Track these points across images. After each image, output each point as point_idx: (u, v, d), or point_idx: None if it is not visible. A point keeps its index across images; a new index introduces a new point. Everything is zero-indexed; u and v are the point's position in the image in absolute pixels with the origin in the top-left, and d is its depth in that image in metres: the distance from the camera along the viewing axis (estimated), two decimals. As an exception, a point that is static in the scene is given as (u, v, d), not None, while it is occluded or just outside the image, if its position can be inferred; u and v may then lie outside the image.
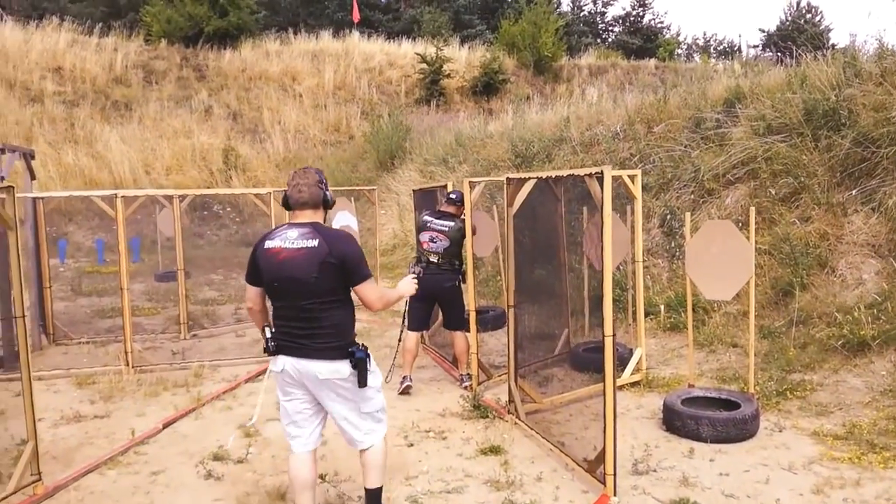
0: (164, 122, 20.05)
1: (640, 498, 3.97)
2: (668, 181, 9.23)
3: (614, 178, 5.99)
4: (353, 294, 3.40)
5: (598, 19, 40.88)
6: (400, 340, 6.06)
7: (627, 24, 38.95)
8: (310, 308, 3.28)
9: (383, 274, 11.26)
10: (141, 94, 21.10)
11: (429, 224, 6.15)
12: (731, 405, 4.96)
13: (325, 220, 3.55)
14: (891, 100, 7.25)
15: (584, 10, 40.26)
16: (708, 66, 22.08)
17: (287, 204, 3.45)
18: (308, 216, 3.40)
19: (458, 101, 23.37)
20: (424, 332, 6.76)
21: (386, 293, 3.55)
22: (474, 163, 13.70)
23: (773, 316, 6.78)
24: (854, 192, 7.10)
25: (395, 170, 16.87)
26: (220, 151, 19.20)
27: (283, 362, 3.37)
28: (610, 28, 41.08)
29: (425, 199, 8.04)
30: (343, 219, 10.19)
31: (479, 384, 5.95)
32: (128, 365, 6.80)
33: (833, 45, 11.87)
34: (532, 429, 4.97)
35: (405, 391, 5.95)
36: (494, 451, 4.66)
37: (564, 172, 4.61)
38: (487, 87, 23.41)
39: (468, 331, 6.06)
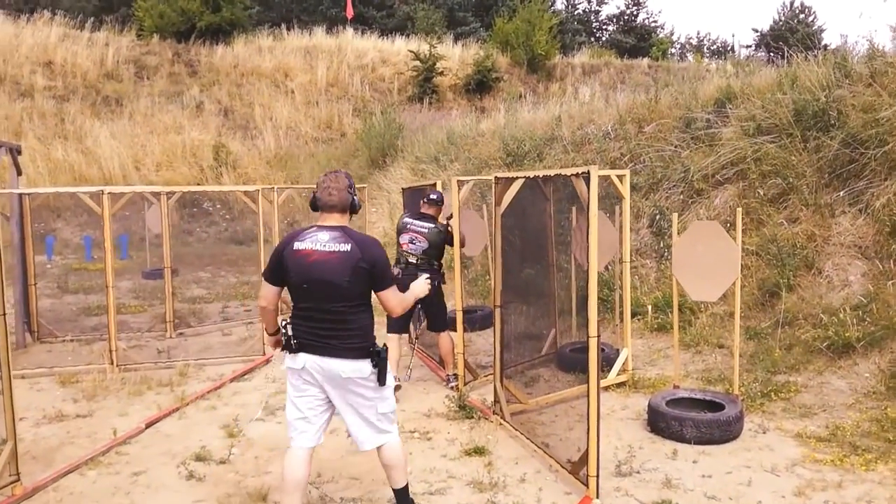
0: (154, 117, 19.93)
1: (622, 500, 3.96)
2: (658, 181, 9.23)
3: (603, 178, 5.98)
4: None
5: (592, 18, 40.89)
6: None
7: (621, 22, 38.98)
8: (339, 310, 3.36)
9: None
10: (132, 89, 20.97)
11: (408, 226, 6.13)
12: (715, 406, 4.96)
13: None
14: (880, 101, 7.26)
15: (578, 9, 40.27)
16: (700, 66, 22.12)
17: (315, 205, 3.50)
18: (336, 219, 3.45)
19: (451, 99, 23.32)
20: (409, 333, 6.72)
21: (405, 298, 3.63)
22: (466, 161, 13.67)
23: (760, 317, 6.79)
24: (842, 193, 7.11)
25: (387, 168, 16.83)
26: (210, 148, 19.08)
27: (304, 360, 3.42)
28: (604, 27, 41.11)
29: (415, 198, 7.99)
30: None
31: (465, 384, 5.94)
32: (112, 363, 6.75)
33: (825, 46, 11.90)
34: (517, 429, 4.96)
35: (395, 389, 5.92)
36: (479, 452, 4.64)
37: (552, 172, 4.59)
38: (480, 84, 23.37)
39: (454, 330, 6.04)
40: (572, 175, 4.17)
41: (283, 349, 3.48)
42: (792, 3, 36.21)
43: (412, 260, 6.01)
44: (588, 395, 3.92)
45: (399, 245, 6.17)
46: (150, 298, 10.37)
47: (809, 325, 6.27)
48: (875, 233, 6.62)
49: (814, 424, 4.99)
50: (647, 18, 39.18)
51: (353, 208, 3.51)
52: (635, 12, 38.53)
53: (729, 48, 38.94)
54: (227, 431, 5.15)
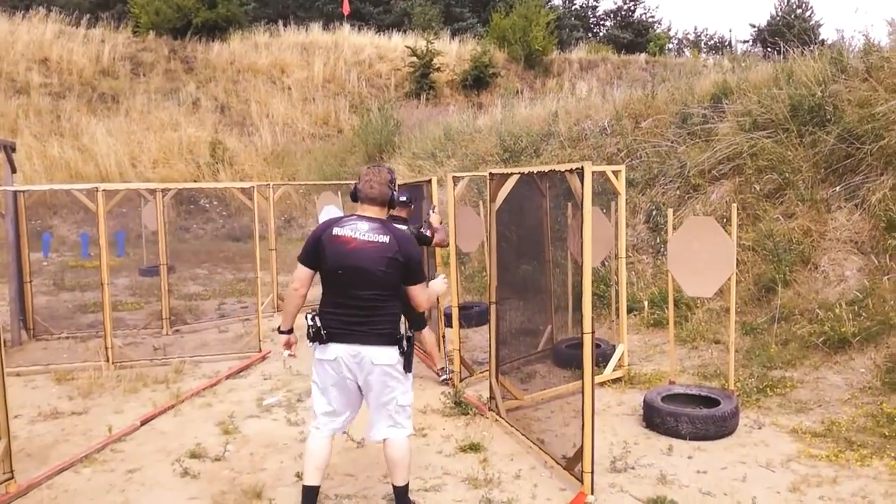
0: (151, 114, 19.88)
1: (617, 496, 3.96)
2: (655, 177, 9.22)
3: (599, 174, 5.99)
4: None
5: (589, 13, 40.85)
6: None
7: (619, 18, 38.93)
8: (372, 298, 3.46)
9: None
10: (128, 86, 20.93)
11: None
12: (711, 402, 4.96)
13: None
14: (876, 96, 7.25)
15: (575, 4, 40.23)
16: (698, 62, 22.07)
17: (355, 196, 3.64)
18: (375, 212, 3.58)
19: (448, 95, 23.29)
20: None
21: (431, 295, 3.78)
22: (463, 157, 13.65)
23: (756, 312, 6.79)
24: (838, 188, 7.10)
25: (384, 164, 16.79)
26: (207, 144, 19.05)
27: (336, 350, 3.49)
28: (601, 22, 41.05)
29: (412, 194, 7.99)
30: (329, 213, 10.14)
31: (461, 381, 5.93)
32: (108, 361, 6.74)
33: (822, 41, 11.87)
34: (512, 426, 4.95)
35: None
36: (474, 448, 4.64)
37: (546, 168, 4.58)
38: (478, 80, 23.34)
39: (449, 326, 6.04)
40: (567, 171, 4.15)
41: (311, 341, 3.53)
42: (789, -1, 36.19)
43: None
44: (583, 391, 3.91)
45: None
46: (146, 295, 10.35)
47: (805, 320, 6.27)
48: (871, 228, 6.62)
49: (809, 420, 4.99)
50: (645, 14, 39.20)
51: (391, 203, 3.64)
52: (633, 8, 38.50)
53: (726, 43, 38.92)
54: (223, 428, 5.14)
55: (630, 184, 9.02)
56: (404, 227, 5.98)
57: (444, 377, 6.06)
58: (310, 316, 3.51)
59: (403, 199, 6.10)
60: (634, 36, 35.82)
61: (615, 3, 42.66)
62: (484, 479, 4.16)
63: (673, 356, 5.52)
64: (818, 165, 7.42)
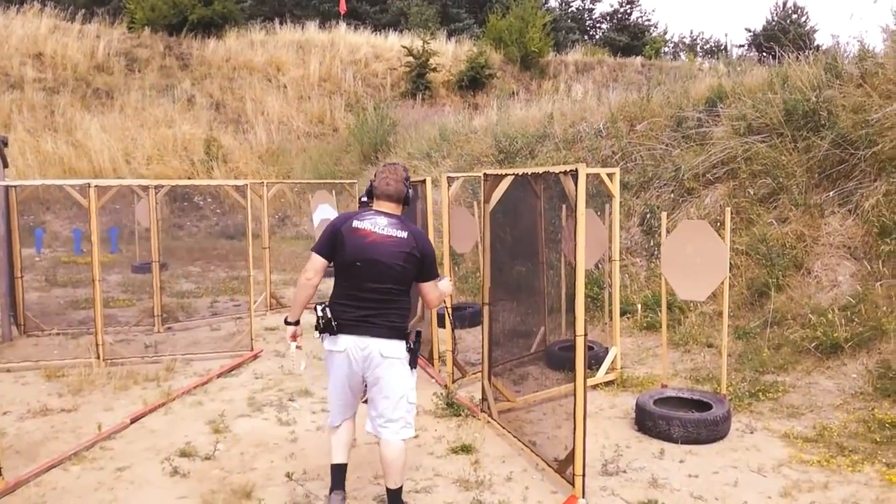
0: (145, 111, 19.82)
1: (608, 499, 3.95)
2: (649, 180, 9.23)
3: (593, 176, 5.98)
4: None
5: (585, 16, 40.91)
6: None
7: (615, 21, 39.01)
8: (386, 291, 3.53)
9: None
10: (123, 82, 20.85)
11: None
12: (703, 406, 4.96)
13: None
14: (870, 102, 7.28)
15: (571, 7, 40.29)
16: (693, 65, 22.14)
17: (370, 194, 3.73)
18: (392, 208, 3.67)
19: (444, 95, 23.29)
20: None
21: (442, 293, 3.83)
22: (458, 158, 13.66)
23: (749, 316, 6.80)
24: (831, 193, 7.12)
25: (379, 163, 16.76)
26: (202, 142, 19.00)
27: (345, 342, 3.53)
28: (597, 25, 41.14)
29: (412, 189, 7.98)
30: (323, 212, 10.11)
31: (453, 382, 5.92)
32: (99, 357, 6.70)
33: (817, 47, 11.91)
34: (504, 428, 4.94)
35: None
36: (465, 450, 4.63)
37: (541, 169, 4.57)
38: (474, 81, 23.35)
39: (442, 327, 6.02)
40: (560, 173, 4.15)
41: (321, 332, 3.57)
42: (785, 4, 36.31)
43: None
44: (575, 394, 3.90)
45: None
46: (138, 292, 10.30)
47: (798, 325, 6.29)
48: (864, 233, 6.64)
49: (801, 425, 5.00)
50: (641, 17, 39.36)
51: (406, 200, 3.73)
52: (629, 11, 38.59)
53: (722, 48, 39.02)
54: (213, 427, 5.11)
55: (624, 186, 9.04)
56: None
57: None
58: (320, 307, 3.55)
59: (365, 200, 6.09)
60: (630, 39, 35.92)
61: (611, 6, 42.78)
62: (475, 481, 4.15)
63: (665, 359, 5.51)
64: (812, 170, 7.45)
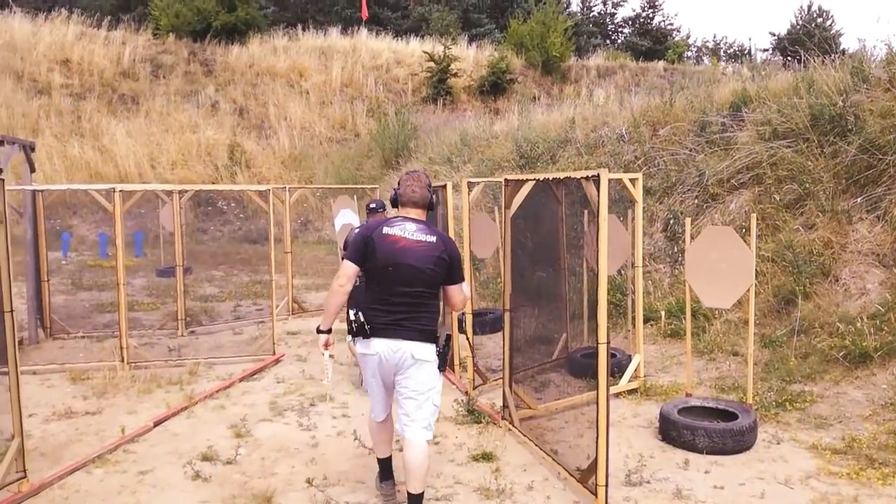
0: (170, 116, 20.06)
1: (631, 509, 3.90)
2: (672, 185, 9.14)
3: (616, 182, 5.93)
4: None
5: (607, 20, 40.69)
6: None
7: (637, 25, 38.75)
8: (418, 294, 3.64)
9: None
10: (148, 88, 21.12)
11: None
12: (728, 416, 4.88)
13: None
14: (899, 107, 7.14)
15: (593, 11, 40.09)
16: (717, 70, 21.93)
17: (395, 202, 3.84)
18: (418, 214, 3.78)
19: (465, 101, 23.30)
20: None
21: (466, 297, 3.92)
22: (479, 163, 13.63)
23: (775, 324, 6.69)
24: (859, 199, 7.00)
25: (400, 168, 16.80)
26: (225, 147, 19.20)
27: (377, 345, 3.63)
28: (619, 29, 40.91)
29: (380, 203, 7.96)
30: (345, 217, 10.12)
31: (474, 388, 5.88)
32: (123, 361, 6.76)
33: (843, 51, 11.73)
34: (525, 435, 4.90)
35: None
36: (486, 457, 4.59)
37: (562, 175, 4.53)
38: (495, 86, 23.34)
39: (463, 333, 6.00)
40: (582, 178, 4.11)
41: (354, 336, 3.70)
42: (810, 7, 35.82)
43: None
44: (598, 402, 3.86)
45: None
46: (162, 296, 10.40)
47: (825, 333, 6.17)
48: (893, 240, 6.51)
49: (829, 436, 4.90)
50: (664, 21, 38.93)
51: (431, 206, 3.85)
52: (651, 15, 38.30)
53: (746, 52, 38.62)
54: (235, 431, 5.13)
55: (647, 192, 8.95)
56: None
57: None
58: (352, 312, 3.68)
59: (372, 206, 6.22)
60: (653, 43, 35.65)
61: (633, 11, 42.53)
62: (496, 490, 4.11)
63: (690, 368, 5.43)
64: (839, 176, 7.32)
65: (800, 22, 35.90)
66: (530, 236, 6.84)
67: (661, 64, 27.88)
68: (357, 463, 4.56)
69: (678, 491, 4.08)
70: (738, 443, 4.62)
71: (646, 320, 7.22)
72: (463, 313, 6.13)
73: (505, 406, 5.20)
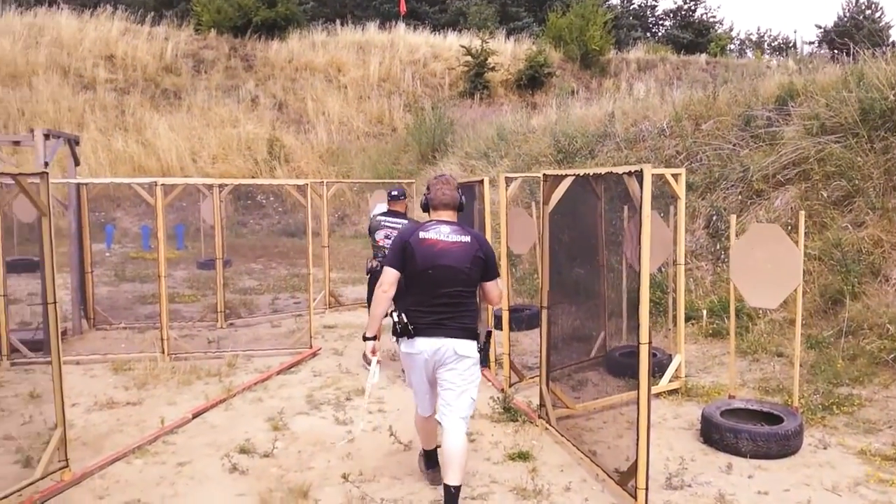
0: (211, 110, 20.32)
1: (672, 514, 3.81)
2: (716, 181, 8.94)
3: (657, 177, 5.80)
4: None
5: (648, 13, 40.04)
6: None
7: (678, 18, 38.03)
8: (457, 294, 3.77)
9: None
10: (190, 82, 21.43)
11: (383, 223, 6.51)
12: (773, 419, 4.74)
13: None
14: (956, 100, 6.86)
15: (633, 4, 39.48)
16: (761, 63, 21.42)
17: (426, 206, 4.00)
18: (450, 215, 3.93)
19: (503, 95, 23.14)
20: None
21: (502, 291, 4.13)
22: (516, 157, 13.53)
23: (822, 325, 6.50)
24: (913, 197, 6.75)
25: (437, 163, 16.77)
26: (265, 141, 19.38)
27: (420, 345, 3.76)
28: (660, 22, 40.20)
29: (464, 194, 7.92)
30: (380, 210, 10.14)
31: (510, 386, 5.83)
32: (163, 352, 6.86)
33: (893, 43, 11.34)
34: (563, 435, 4.83)
35: None
36: (523, 457, 4.54)
37: (603, 170, 4.43)
38: (532, 80, 23.12)
39: (499, 329, 5.95)
40: (624, 173, 4.01)
41: (398, 337, 3.80)
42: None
43: None
44: (638, 404, 3.77)
45: (375, 241, 6.49)
46: (203, 288, 10.55)
47: (875, 335, 5.96)
48: (949, 239, 6.26)
49: (879, 441, 4.73)
50: (706, 14, 38.13)
51: (461, 206, 3.99)
52: (693, 7, 37.53)
53: (791, 44, 37.67)
54: (272, 424, 5.16)
55: (690, 188, 8.75)
56: (405, 220, 6.13)
57: None
58: (395, 314, 3.79)
59: (395, 193, 6.63)
60: (695, 36, 34.94)
61: (675, 3, 41.71)
62: (533, 490, 4.06)
63: (733, 368, 5.29)
64: (890, 172, 7.07)
65: (847, 14, 34.90)
66: (568, 232, 6.75)
67: (703, 57, 27.29)
68: (392, 459, 4.55)
69: (721, 496, 3.97)
70: (783, 447, 4.49)
71: (687, 319, 7.06)
72: (499, 310, 6.08)
73: (542, 405, 5.13)
